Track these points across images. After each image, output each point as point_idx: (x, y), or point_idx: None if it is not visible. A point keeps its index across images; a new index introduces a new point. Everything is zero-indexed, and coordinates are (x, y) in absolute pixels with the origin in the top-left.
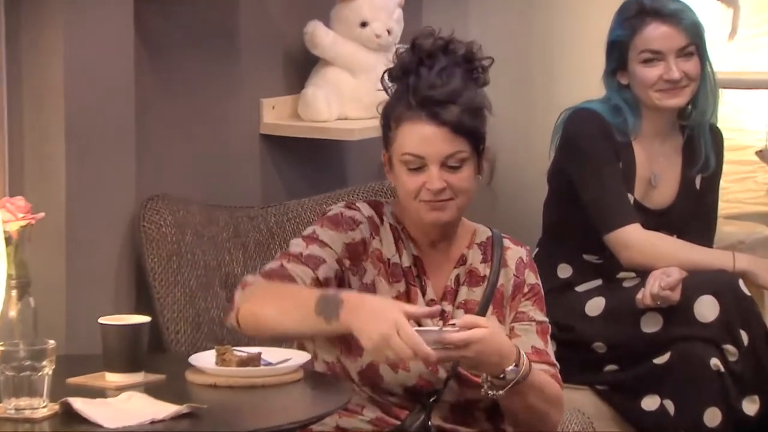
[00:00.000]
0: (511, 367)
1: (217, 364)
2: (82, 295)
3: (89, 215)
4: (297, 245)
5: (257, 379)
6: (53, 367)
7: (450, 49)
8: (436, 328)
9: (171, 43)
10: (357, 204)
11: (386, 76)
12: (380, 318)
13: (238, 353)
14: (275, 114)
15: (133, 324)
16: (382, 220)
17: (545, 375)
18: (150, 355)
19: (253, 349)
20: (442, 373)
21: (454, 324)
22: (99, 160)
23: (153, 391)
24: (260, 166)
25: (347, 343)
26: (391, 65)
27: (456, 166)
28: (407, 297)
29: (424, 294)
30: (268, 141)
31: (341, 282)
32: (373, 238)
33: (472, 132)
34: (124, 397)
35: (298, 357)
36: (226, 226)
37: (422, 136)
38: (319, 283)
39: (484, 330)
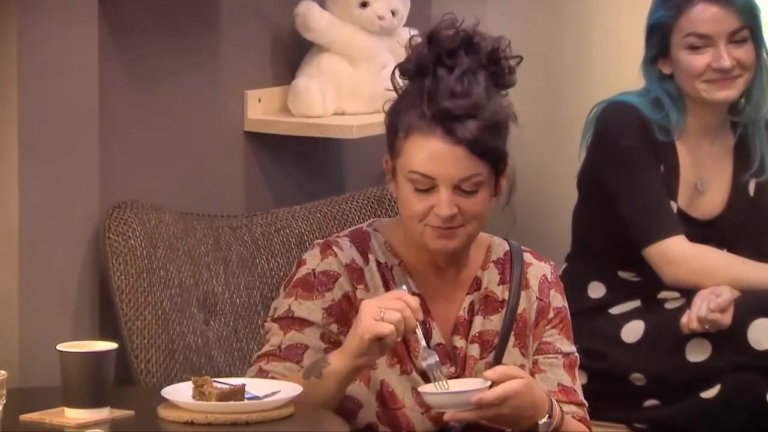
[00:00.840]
0: (544, 420)
1: (194, 397)
2: (38, 319)
3: (46, 226)
4: (274, 334)
5: (241, 415)
6: (4, 401)
7: (474, 46)
8: (468, 388)
9: (140, 26)
10: (334, 245)
11: (398, 73)
12: (354, 329)
13: (219, 385)
14: (261, 108)
15: (97, 352)
16: (366, 259)
17: (575, 423)
18: (116, 387)
19: (236, 381)
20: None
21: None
22: (57, 162)
23: (120, 429)
24: (244, 168)
25: (337, 409)
26: (402, 56)
27: (471, 191)
28: (406, 347)
29: (428, 340)
30: (253, 139)
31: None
32: (356, 288)
33: (492, 152)
34: None
35: (287, 389)
36: (205, 238)
37: (434, 155)
38: None
39: (519, 381)
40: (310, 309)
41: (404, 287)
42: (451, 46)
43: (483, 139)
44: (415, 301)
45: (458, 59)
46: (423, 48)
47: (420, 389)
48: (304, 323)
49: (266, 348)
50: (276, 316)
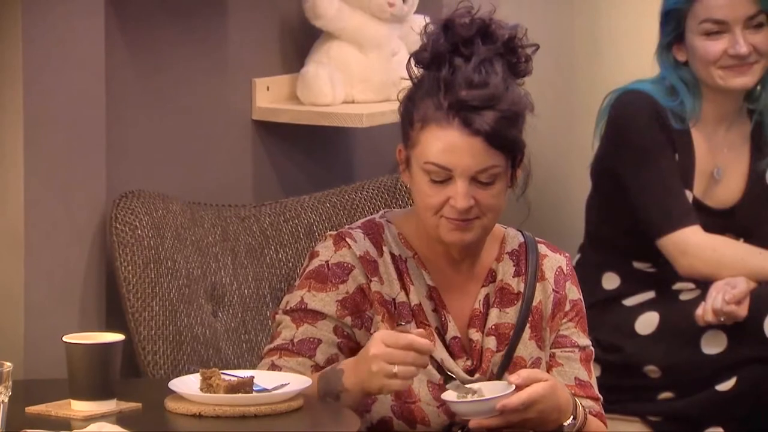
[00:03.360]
0: (569, 421)
1: (201, 390)
2: (44, 310)
3: (51, 216)
4: (286, 327)
5: (249, 408)
6: (10, 393)
7: (490, 34)
8: (493, 394)
9: (147, 14)
10: (347, 237)
11: (413, 61)
12: (364, 361)
13: (227, 377)
14: (270, 96)
15: (104, 343)
16: (381, 251)
17: (595, 420)
18: (123, 379)
19: (245, 373)
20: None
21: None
22: (63, 152)
23: (127, 421)
24: (252, 157)
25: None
26: (413, 44)
27: (487, 182)
28: None
29: (444, 333)
30: (261, 128)
31: (354, 345)
32: (371, 280)
33: (510, 144)
34: (94, 428)
35: (296, 382)
36: (213, 228)
37: (451, 146)
38: (320, 368)
39: (544, 385)
40: (324, 301)
41: (409, 325)
42: (467, 35)
43: (500, 131)
44: (426, 345)
45: (475, 48)
46: (438, 36)
47: (443, 396)
48: (317, 315)
49: (278, 341)
50: (288, 308)
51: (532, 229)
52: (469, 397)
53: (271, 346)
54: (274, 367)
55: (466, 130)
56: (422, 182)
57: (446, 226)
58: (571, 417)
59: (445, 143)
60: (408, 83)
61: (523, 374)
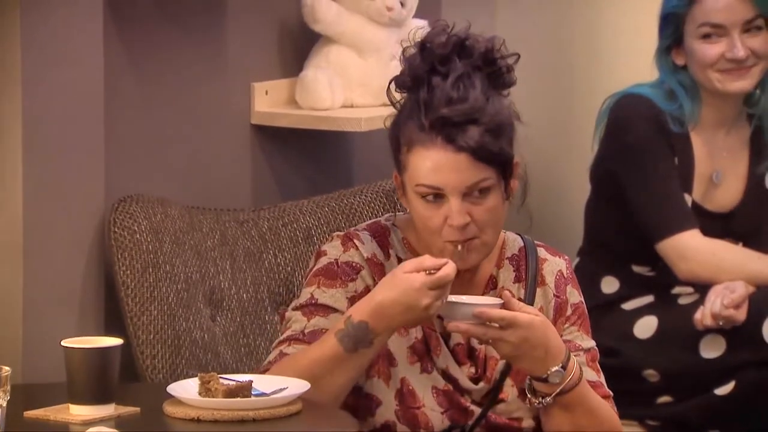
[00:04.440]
0: (556, 368)
1: (200, 394)
2: (42, 314)
3: (50, 220)
4: (296, 321)
5: (248, 412)
6: (8, 398)
7: (467, 49)
8: (477, 302)
9: (146, 17)
10: (355, 238)
11: (392, 87)
12: (407, 305)
13: (226, 382)
14: (269, 101)
15: (102, 347)
16: (388, 255)
17: (598, 397)
18: (122, 383)
19: (243, 377)
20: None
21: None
22: (62, 156)
23: (125, 425)
24: (251, 161)
25: (353, 405)
26: (404, 53)
27: (481, 196)
28: (425, 345)
29: (448, 339)
30: (260, 132)
31: None
32: (377, 282)
33: (496, 156)
34: None
35: (295, 386)
36: (211, 233)
37: (437, 165)
38: None
39: (535, 318)
40: (335, 297)
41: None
42: (443, 53)
43: (485, 144)
44: (446, 269)
45: (452, 65)
46: (415, 58)
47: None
48: (328, 309)
49: (288, 333)
50: (298, 304)
51: (532, 233)
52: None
53: (281, 338)
54: (282, 355)
55: (450, 147)
56: (418, 205)
57: (451, 251)
58: (560, 365)
59: (431, 163)
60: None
61: (514, 302)
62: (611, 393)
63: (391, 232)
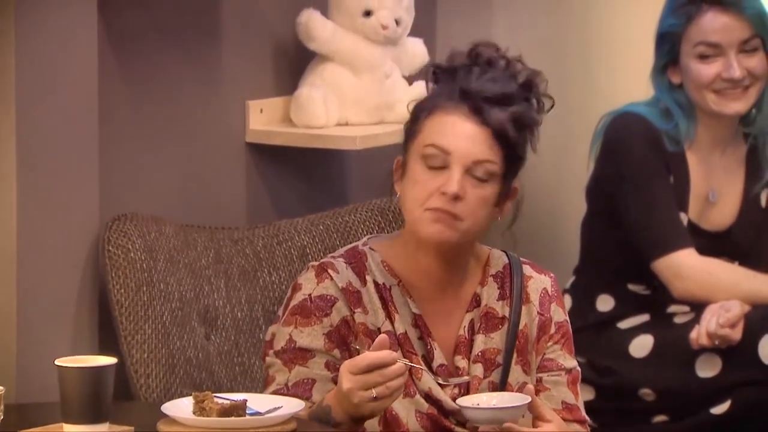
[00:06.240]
0: None
1: (194, 413)
2: (36, 333)
3: (44, 238)
4: (278, 371)
5: (242, 431)
6: (1, 417)
7: (512, 66)
8: (508, 404)
9: (140, 35)
10: (329, 268)
11: (431, 73)
12: (344, 397)
13: (220, 401)
14: (263, 119)
15: (96, 366)
16: (364, 281)
17: None
18: (116, 402)
19: (238, 396)
20: None
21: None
22: (56, 174)
23: None
24: (245, 179)
25: None
26: (405, 65)
27: (481, 179)
28: (409, 370)
29: (431, 361)
30: (254, 150)
31: None
32: (354, 312)
33: (512, 144)
34: None
35: (290, 405)
36: (206, 251)
37: (455, 129)
38: None
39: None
40: (312, 336)
41: (364, 349)
42: (491, 58)
43: (507, 128)
44: (384, 358)
45: (496, 68)
46: (461, 56)
47: (458, 401)
48: (306, 354)
49: (273, 387)
50: (278, 348)
51: (527, 252)
52: (483, 404)
53: (267, 392)
54: None
55: (474, 117)
56: (416, 171)
57: (429, 218)
58: None
59: (450, 126)
60: (418, 96)
61: (538, 407)
62: (587, 418)
63: (368, 257)
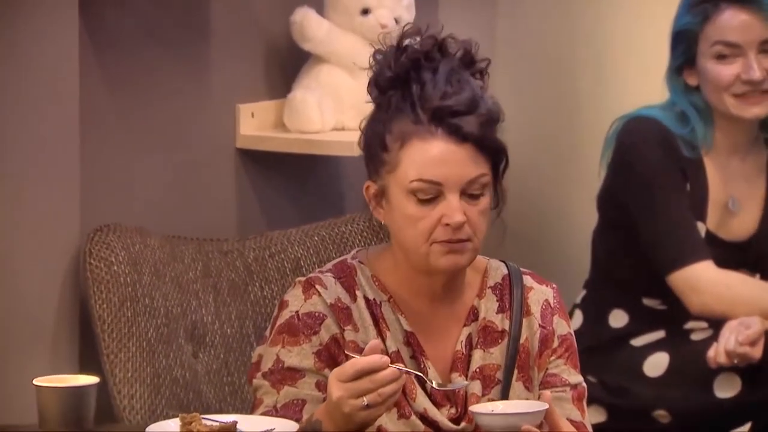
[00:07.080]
0: None
1: None
2: (13, 351)
3: (22, 251)
4: (266, 393)
5: None
6: None
7: (446, 48)
8: (520, 410)
9: (124, 36)
10: (317, 284)
11: (373, 88)
12: (334, 407)
13: (208, 423)
14: (255, 123)
15: (77, 386)
16: (354, 296)
17: None
18: (97, 424)
19: (227, 418)
20: None
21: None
22: (35, 183)
23: None
24: (236, 188)
25: None
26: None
27: (477, 195)
28: (403, 390)
29: (423, 379)
30: (245, 157)
31: None
32: (344, 329)
33: (497, 148)
34: None
35: (282, 426)
36: (193, 264)
37: (439, 158)
38: None
39: None
40: (301, 355)
41: (353, 356)
42: (425, 50)
43: (486, 134)
44: (374, 363)
45: (436, 62)
46: (396, 57)
47: (472, 409)
48: (296, 374)
49: (261, 410)
50: (265, 370)
51: (535, 264)
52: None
53: (256, 413)
54: None
55: (452, 137)
56: (408, 207)
57: (439, 251)
58: None
59: (432, 156)
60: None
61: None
62: None
63: (358, 271)
